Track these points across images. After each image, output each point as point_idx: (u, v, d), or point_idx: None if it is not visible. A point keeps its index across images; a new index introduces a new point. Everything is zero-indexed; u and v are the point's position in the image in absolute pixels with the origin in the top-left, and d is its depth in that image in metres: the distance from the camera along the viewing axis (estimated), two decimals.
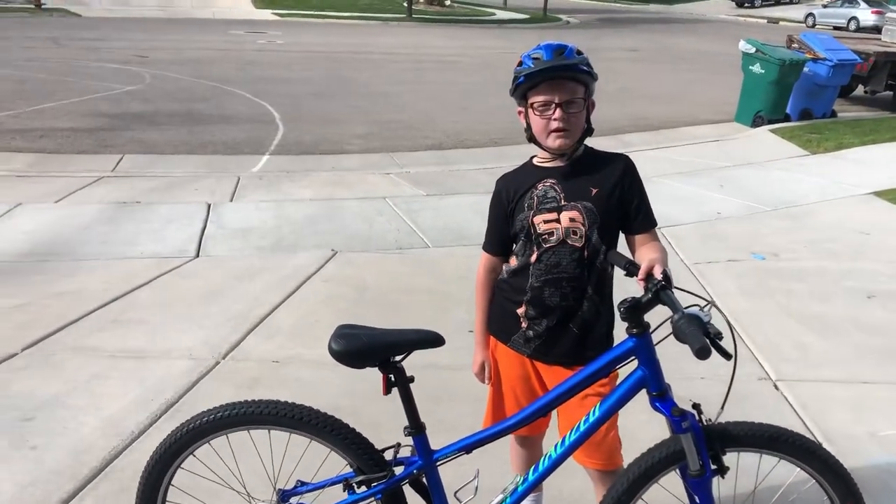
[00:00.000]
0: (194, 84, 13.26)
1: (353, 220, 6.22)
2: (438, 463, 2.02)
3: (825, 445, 3.00)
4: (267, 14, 30.61)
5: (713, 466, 1.89)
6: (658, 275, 1.86)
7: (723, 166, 8.45)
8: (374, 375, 1.97)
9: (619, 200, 2.17)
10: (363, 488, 2.02)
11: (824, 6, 37.67)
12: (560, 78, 2.08)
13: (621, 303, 1.85)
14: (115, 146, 8.90)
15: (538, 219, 2.16)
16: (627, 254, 2.14)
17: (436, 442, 2.04)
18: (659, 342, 1.89)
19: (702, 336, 1.68)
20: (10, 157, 8.21)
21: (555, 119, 2.10)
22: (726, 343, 1.74)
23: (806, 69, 10.86)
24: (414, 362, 1.96)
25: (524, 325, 2.25)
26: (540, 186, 2.19)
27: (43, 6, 27.92)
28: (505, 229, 2.26)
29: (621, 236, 2.23)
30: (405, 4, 32.24)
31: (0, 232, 5.69)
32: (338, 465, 2.09)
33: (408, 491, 2.07)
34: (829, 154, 8.98)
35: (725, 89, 12.99)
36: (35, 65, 14.59)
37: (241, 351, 3.99)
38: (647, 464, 1.92)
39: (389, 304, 4.61)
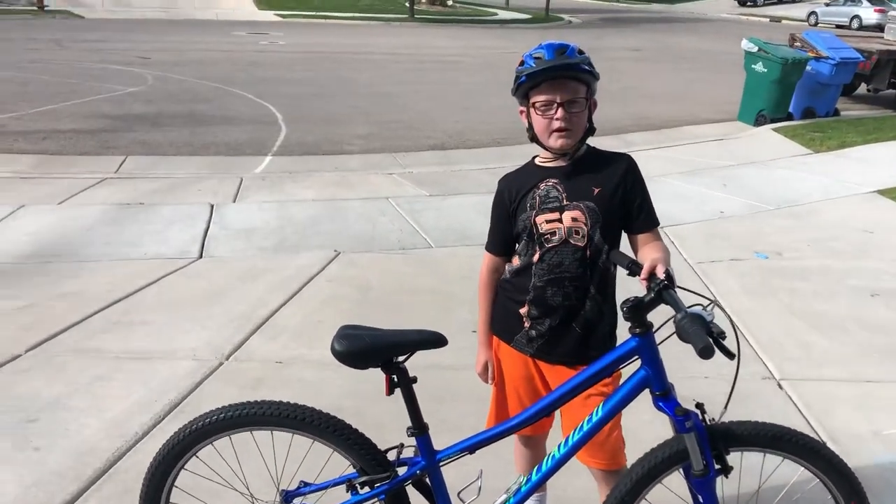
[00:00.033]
0: (197, 85, 13.28)
1: (355, 221, 6.23)
2: (442, 463, 2.02)
3: (829, 444, 2.99)
4: (269, 15, 30.64)
5: (717, 466, 1.88)
6: (661, 274, 1.86)
7: (726, 165, 8.43)
8: (377, 376, 1.96)
9: (622, 200, 2.17)
10: (366, 489, 2.02)
11: (827, 4, 37.60)
12: (562, 77, 2.08)
13: (624, 302, 1.85)
14: (118, 147, 8.92)
15: (540, 218, 2.16)
16: (630, 253, 2.14)
17: (439, 442, 2.04)
18: (662, 342, 1.88)
19: (705, 335, 1.68)
20: (14, 159, 8.22)
21: (556, 119, 2.10)
22: (729, 342, 1.73)
23: (808, 68, 10.84)
24: (417, 362, 1.96)
25: (527, 324, 2.24)
26: (542, 186, 2.19)
27: (46, 8, 27.98)
28: (507, 229, 2.26)
29: (624, 236, 2.23)
30: (407, 5, 32.26)
31: (4, 233, 5.70)
32: (341, 465, 2.09)
33: (411, 491, 2.06)
34: (832, 153, 8.97)
35: (728, 88, 12.97)
36: (38, 66, 14.61)
37: (244, 352, 4.00)
38: (651, 463, 1.92)
39: (392, 305, 4.61)
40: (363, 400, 3.29)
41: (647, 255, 2.07)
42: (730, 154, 9.09)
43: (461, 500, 2.04)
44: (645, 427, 2.67)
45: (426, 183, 7.57)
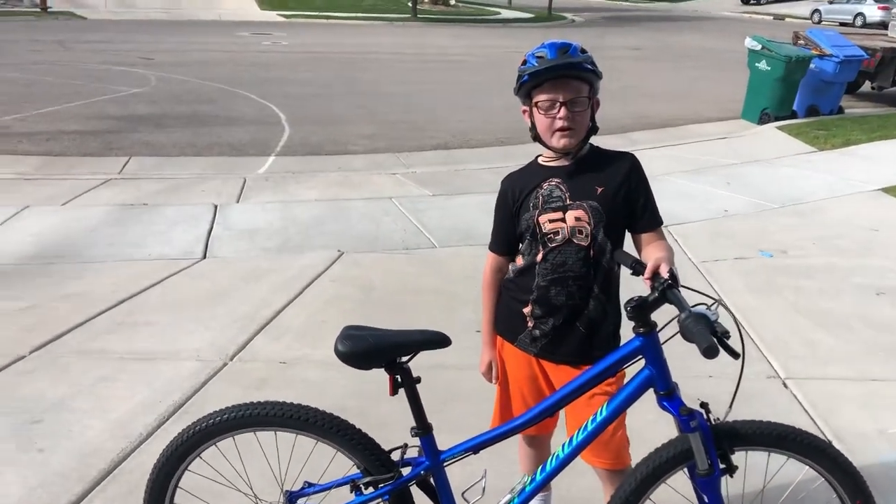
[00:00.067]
0: (200, 86, 13.30)
1: (359, 221, 6.23)
2: (446, 463, 2.02)
3: (834, 443, 2.98)
4: (272, 15, 30.67)
5: (721, 465, 1.88)
6: (664, 273, 1.85)
7: (729, 164, 8.41)
8: (380, 376, 1.96)
9: (625, 199, 2.16)
10: (370, 489, 2.02)
11: (830, 2, 37.52)
12: (564, 76, 2.07)
13: (628, 302, 1.85)
14: (121, 148, 8.93)
15: (543, 218, 2.15)
16: (634, 252, 2.13)
17: (443, 442, 2.03)
18: (666, 341, 1.88)
19: (709, 335, 1.67)
20: (17, 161, 8.24)
21: (559, 118, 2.09)
22: (734, 342, 1.73)
23: (812, 66, 10.81)
24: (421, 363, 1.96)
25: (530, 324, 2.24)
26: (545, 186, 2.18)
27: (49, 9, 28.05)
28: (511, 229, 2.25)
29: (627, 235, 2.23)
30: (410, 4, 32.24)
31: (7, 235, 5.72)
32: (345, 466, 2.08)
33: (415, 492, 2.06)
34: (836, 151, 8.94)
35: (731, 86, 12.94)
36: (41, 68, 14.65)
37: (248, 352, 4.00)
38: (656, 463, 1.92)
39: (396, 305, 4.61)
40: (367, 400, 3.29)
41: (651, 254, 2.06)
42: (734, 152, 9.07)
43: (465, 500, 2.03)
44: (649, 427, 2.66)
45: (430, 183, 7.57)
